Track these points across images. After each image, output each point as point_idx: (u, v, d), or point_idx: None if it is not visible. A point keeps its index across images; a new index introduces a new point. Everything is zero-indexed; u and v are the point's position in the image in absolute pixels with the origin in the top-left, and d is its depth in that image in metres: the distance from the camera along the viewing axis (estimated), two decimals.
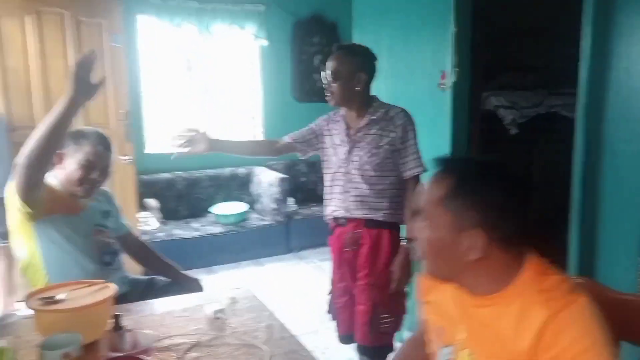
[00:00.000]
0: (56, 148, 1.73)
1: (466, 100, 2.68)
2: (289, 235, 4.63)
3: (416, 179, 2.02)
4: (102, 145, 1.90)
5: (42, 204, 1.77)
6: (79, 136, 1.87)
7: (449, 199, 0.97)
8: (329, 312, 2.24)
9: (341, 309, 2.15)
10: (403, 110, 2.05)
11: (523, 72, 4.23)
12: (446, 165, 1.01)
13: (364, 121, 2.03)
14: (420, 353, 1.24)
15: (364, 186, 2.01)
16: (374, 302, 1.99)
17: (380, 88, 3.11)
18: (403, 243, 2.01)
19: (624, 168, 1.92)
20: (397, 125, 2.00)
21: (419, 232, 1.03)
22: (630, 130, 1.89)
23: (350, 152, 2.04)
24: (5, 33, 3.33)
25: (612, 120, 1.96)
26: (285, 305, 3.33)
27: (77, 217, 1.90)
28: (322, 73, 2.04)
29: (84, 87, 1.63)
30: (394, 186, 2.04)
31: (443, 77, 2.66)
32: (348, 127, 2.08)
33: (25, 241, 1.83)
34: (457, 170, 1.00)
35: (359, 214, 2.03)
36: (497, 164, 1.02)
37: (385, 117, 2.02)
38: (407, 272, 1.99)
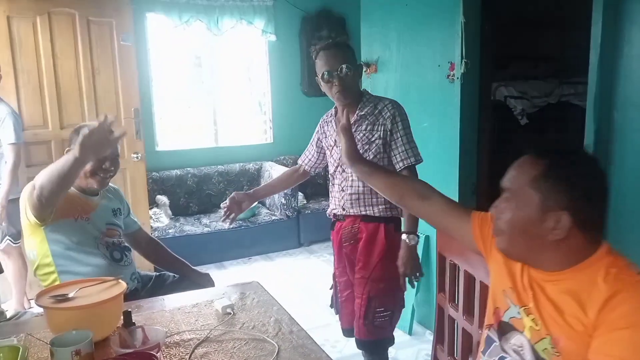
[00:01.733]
0: (67, 188, 1.79)
1: (476, 91, 2.66)
2: (298, 229, 4.64)
3: (409, 170, 1.95)
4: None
5: (53, 215, 1.81)
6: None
7: (541, 180, 1.02)
8: (332, 306, 2.26)
9: (344, 302, 2.15)
10: (391, 102, 2.00)
11: (534, 62, 4.18)
12: (543, 149, 1.07)
13: (353, 118, 1.99)
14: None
15: (359, 183, 1.99)
16: (369, 295, 1.98)
17: (389, 80, 3.11)
18: (404, 237, 1.96)
19: (635, 157, 1.89)
20: (386, 118, 1.96)
21: (502, 211, 1.09)
22: None
23: None
24: (18, 33, 3.37)
25: (622, 108, 1.93)
26: (296, 299, 3.34)
27: (89, 221, 1.92)
28: (324, 75, 1.93)
29: (93, 151, 1.65)
30: None
31: (452, 68, 2.64)
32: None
33: (37, 243, 1.85)
34: (549, 154, 1.05)
35: (354, 211, 2.02)
36: (585, 154, 1.12)
37: (374, 111, 1.99)
38: (413, 266, 1.96)
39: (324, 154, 2.18)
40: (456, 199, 2.67)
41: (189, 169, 4.67)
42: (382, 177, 1.48)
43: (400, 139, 1.95)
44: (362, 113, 1.98)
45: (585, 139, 2.03)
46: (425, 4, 2.81)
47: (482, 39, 2.61)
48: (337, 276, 2.18)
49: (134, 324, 1.42)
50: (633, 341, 0.92)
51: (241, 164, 4.88)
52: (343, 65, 1.92)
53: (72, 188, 1.88)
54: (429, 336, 2.82)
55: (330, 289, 2.25)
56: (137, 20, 4.02)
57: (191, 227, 4.26)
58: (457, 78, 2.58)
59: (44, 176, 1.71)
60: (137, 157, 3.72)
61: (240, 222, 4.39)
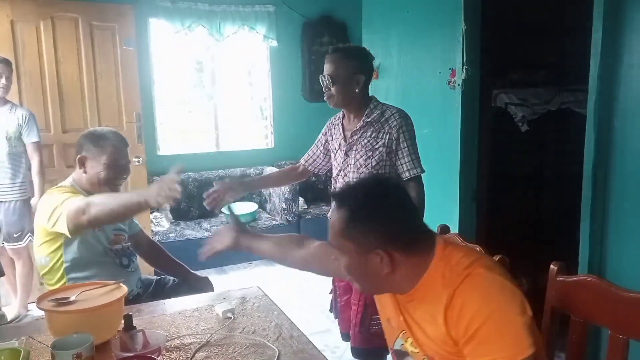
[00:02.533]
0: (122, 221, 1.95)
1: (476, 97, 2.67)
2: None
3: (414, 181, 2.00)
4: (122, 143, 1.95)
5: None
6: (99, 138, 1.91)
7: (347, 229, 1.07)
8: (331, 310, 2.27)
9: (343, 307, 2.14)
10: (399, 111, 2.02)
11: (534, 69, 4.19)
12: (340, 199, 1.11)
13: (359, 124, 2.02)
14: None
15: None
16: (365, 302, 1.94)
17: (390, 86, 3.13)
18: None
19: (635, 165, 1.90)
20: (392, 127, 1.98)
21: (338, 257, 1.13)
22: None
23: (347, 155, 2.05)
24: (21, 38, 3.39)
25: (622, 116, 1.94)
26: (296, 304, 3.34)
27: (101, 229, 1.92)
28: (320, 76, 2.02)
29: (167, 200, 1.77)
30: None
31: (453, 75, 2.66)
32: (345, 130, 2.09)
33: (52, 250, 1.84)
34: (347, 202, 1.09)
35: None
36: (376, 186, 1.16)
37: (380, 118, 2.01)
38: None
39: (330, 156, 2.19)
40: (457, 205, 2.68)
41: (190, 173, 4.67)
42: (265, 242, 1.53)
43: (406, 149, 1.98)
44: (369, 120, 2.00)
45: (586, 146, 2.04)
46: (426, 12, 2.84)
47: (482, 46, 2.63)
48: (336, 280, 2.17)
49: (134, 327, 1.42)
50: (498, 333, 0.95)
51: (242, 168, 4.89)
52: (331, 74, 1.96)
53: (82, 192, 1.89)
54: None
55: (330, 293, 2.25)
56: (139, 25, 4.04)
57: (192, 231, 4.26)
58: (458, 85, 2.60)
59: (101, 207, 1.72)
60: (138, 162, 3.73)
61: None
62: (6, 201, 3.14)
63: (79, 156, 1.88)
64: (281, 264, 1.60)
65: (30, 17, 3.40)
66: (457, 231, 2.55)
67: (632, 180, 1.91)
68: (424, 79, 2.87)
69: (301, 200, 4.72)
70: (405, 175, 1.99)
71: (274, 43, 4.90)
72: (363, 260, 1.07)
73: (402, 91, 3.05)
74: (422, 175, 2.02)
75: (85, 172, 1.89)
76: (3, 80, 3.03)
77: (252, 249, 1.56)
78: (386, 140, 1.98)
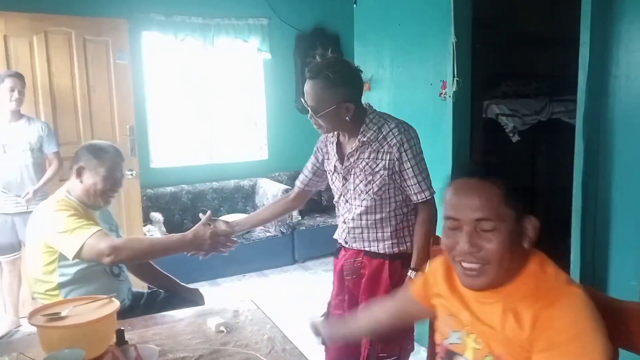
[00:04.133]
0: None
1: (467, 108, 2.69)
2: (293, 246, 4.63)
3: (425, 204, 1.79)
4: (120, 157, 1.99)
5: None
6: (99, 151, 1.94)
7: (509, 196, 1.04)
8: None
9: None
10: (397, 126, 1.76)
11: (525, 80, 4.24)
12: (489, 170, 1.09)
13: (354, 145, 1.78)
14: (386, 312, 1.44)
15: (363, 217, 1.82)
16: (371, 338, 1.79)
17: (382, 98, 3.15)
18: (410, 274, 1.77)
19: (624, 175, 1.92)
20: (392, 145, 1.74)
21: (483, 242, 1.04)
22: (629, 137, 1.90)
23: (345, 179, 1.84)
24: (15, 52, 3.40)
25: (611, 127, 1.96)
26: (290, 317, 3.32)
27: None
28: (302, 99, 1.75)
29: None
30: (397, 213, 1.82)
31: (444, 86, 2.68)
32: (341, 150, 1.86)
33: (48, 263, 1.84)
34: (497, 171, 1.08)
35: (357, 246, 1.87)
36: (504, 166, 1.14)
37: (377, 136, 1.76)
38: None
39: (326, 172, 1.98)
40: None
41: (183, 185, 4.67)
42: (358, 328, 1.53)
43: (411, 169, 1.75)
44: (365, 139, 1.76)
45: (575, 156, 2.06)
46: (417, 24, 2.87)
47: (473, 57, 2.65)
48: (332, 306, 2.01)
49: (127, 342, 1.42)
50: (577, 354, 0.95)
51: (236, 180, 4.89)
52: (313, 106, 1.71)
53: (76, 201, 1.90)
54: (424, 353, 2.81)
55: (322, 316, 2.04)
56: (133, 38, 4.06)
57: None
58: (449, 96, 2.62)
59: (132, 253, 1.83)
60: (131, 175, 3.72)
61: (234, 238, 4.37)
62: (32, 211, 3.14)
63: (77, 166, 1.91)
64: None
65: (24, 32, 3.41)
66: None
67: (618, 190, 1.93)
68: (416, 91, 2.89)
69: (295, 211, 4.72)
70: (414, 199, 1.78)
71: (268, 55, 4.93)
72: (517, 229, 1.05)
73: (394, 103, 3.07)
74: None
75: (81, 181, 1.91)
76: (16, 94, 3.11)
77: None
78: (387, 161, 1.74)
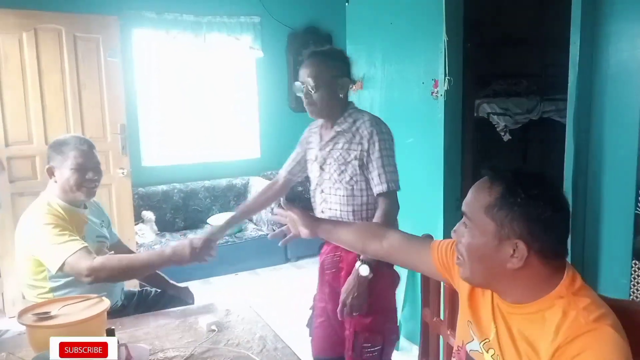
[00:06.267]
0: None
1: (459, 107, 2.70)
2: (285, 245, 4.62)
3: (385, 196, 1.80)
4: (85, 145, 1.92)
5: None
6: (60, 145, 1.90)
7: (495, 208, 0.99)
8: (308, 325, 2.13)
9: (317, 329, 2.03)
10: (370, 119, 1.83)
11: (516, 79, 4.27)
12: (494, 174, 1.04)
13: (330, 134, 1.86)
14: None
15: (336, 207, 1.87)
16: (355, 328, 1.83)
17: (374, 97, 3.15)
18: (357, 265, 1.75)
19: (613, 173, 1.93)
20: (363, 137, 1.79)
21: (461, 235, 1.05)
22: (619, 136, 1.91)
23: (322, 169, 1.90)
24: (3, 49, 3.36)
25: (601, 126, 1.98)
26: (282, 316, 3.32)
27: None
28: (297, 83, 1.83)
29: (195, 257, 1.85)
30: (368, 207, 1.85)
31: (436, 85, 2.69)
32: (321, 140, 1.92)
33: (36, 269, 1.82)
34: (504, 180, 1.01)
35: None
36: (542, 178, 1.03)
37: (351, 128, 1.83)
38: (355, 298, 1.75)
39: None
40: (441, 215, 2.70)
41: (175, 184, 4.65)
42: (343, 231, 1.47)
43: (375, 161, 1.79)
44: (339, 129, 1.85)
45: (566, 155, 2.07)
46: (409, 23, 2.87)
47: (465, 57, 2.66)
48: (317, 299, 2.06)
49: (117, 341, 1.41)
50: None
51: (228, 179, 4.88)
52: (310, 79, 1.79)
53: (62, 203, 1.87)
54: (416, 351, 2.82)
55: (310, 309, 2.13)
56: (123, 36, 4.03)
57: (177, 243, 4.22)
58: (441, 95, 2.63)
59: (111, 273, 1.75)
60: (123, 173, 3.70)
61: (227, 237, 4.37)
62: None
63: (47, 167, 1.89)
64: (360, 253, 1.55)
65: (13, 29, 3.37)
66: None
67: (608, 189, 1.95)
68: (408, 90, 2.89)
69: None
70: (374, 191, 1.80)
71: (260, 54, 4.92)
72: (494, 245, 0.99)
73: (386, 101, 3.07)
74: (403, 185, 1.85)
75: (55, 181, 1.89)
76: None
77: (330, 238, 1.52)
78: (358, 152, 1.80)
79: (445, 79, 2.58)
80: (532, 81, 4.29)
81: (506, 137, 3.69)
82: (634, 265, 1.85)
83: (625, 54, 1.88)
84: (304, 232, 1.50)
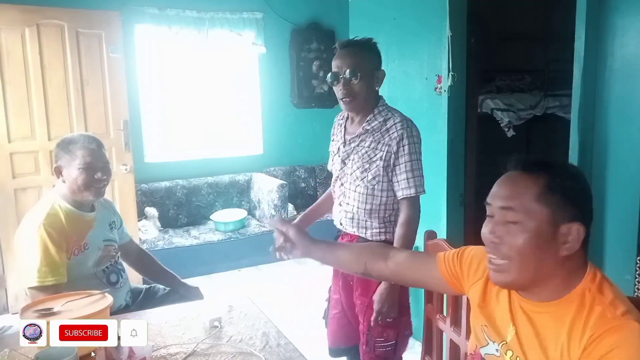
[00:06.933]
0: None
1: (462, 103, 2.69)
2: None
3: (409, 200, 1.77)
4: (94, 144, 1.89)
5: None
6: (68, 143, 1.87)
7: (547, 193, 0.98)
8: (324, 317, 2.15)
9: (332, 320, 2.06)
10: (402, 121, 1.78)
11: (520, 75, 4.24)
12: (531, 165, 1.03)
13: (358, 130, 1.82)
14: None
15: (355, 203, 1.84)
16: (368, 323, 1.83)
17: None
18: None
19: (618, 169, 1.92)
20: (392, 139, 1.76)
21: (506, 235, 1.01)
22: (623, 132, 1.90)
23: (344, 163, 1.88)
24: (6, 45, 3.36)
25: (605, 121, 1.96)
26: (284, 312, 3.33)
27: (83, 252, 1.87)
28: (331, 74, 1.77)
29: None
30: (387, 207, 1.83)
31: (439, 81, 2.67)
32: (346, 133, 1.90)
33: None
34: (543, 166, 1.02)
35: (352, 230, 1.89)
36: (576, 167, 1.11)
37: (381, 127, 1.79)
38: (390, 305, 1.76)
39: None
40: (444, 211, 2.69)
41: (178, 180, 4.65)
42: (341, 252, 1.42)
43: (404, 164, 1.76)
44: (369, 127, 1.80)
45: (570, 151, 2.06)
46: (412, 19, 2.85)
47: (468, 52, 2.65)
48: (332, 291, 2.07)
49: (120, 337, 1.41)
50: None
51: (231, 175, 4.88)
52: (348, 69, 1.73)
53: (68, 206, 1.86)
54: (418, 347, 2.82)
55: (326, 300, 2.13)
56: (126, 31, 4.03)
57: (180, 239, 4.23)
58: (444, 91, 2.62)
59: None
60: (126, 169, 3.70)
61: (230, 233, 4.38)
62: None
63: (54, 166, 1.86)
64: (360, 275, 1.43)
65: (15, 25, 3.37)
66: (444, 236, 2.56)
67: (613, 185, 1.93)
68: (411, 85, 2.88)
69: (290, 206, 4.71)
70: (399, 194, 1.78)
71: (263, 49, 4.90)
72: (550, 231, 0.97)
73: (389, 97, 3.03)
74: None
75: (63, 181, 1.86)
76: None
77: (325, 259, 1.42)
78: (384, 153, 1.76)
79: (448, 75, 2.56)
80: (536, 77, 4.27)
81: (510, 133, 3.67)
82: (638, 261, 1.84)
83: (631, 48, 1.86)
84: (296, 253, 1.42)
